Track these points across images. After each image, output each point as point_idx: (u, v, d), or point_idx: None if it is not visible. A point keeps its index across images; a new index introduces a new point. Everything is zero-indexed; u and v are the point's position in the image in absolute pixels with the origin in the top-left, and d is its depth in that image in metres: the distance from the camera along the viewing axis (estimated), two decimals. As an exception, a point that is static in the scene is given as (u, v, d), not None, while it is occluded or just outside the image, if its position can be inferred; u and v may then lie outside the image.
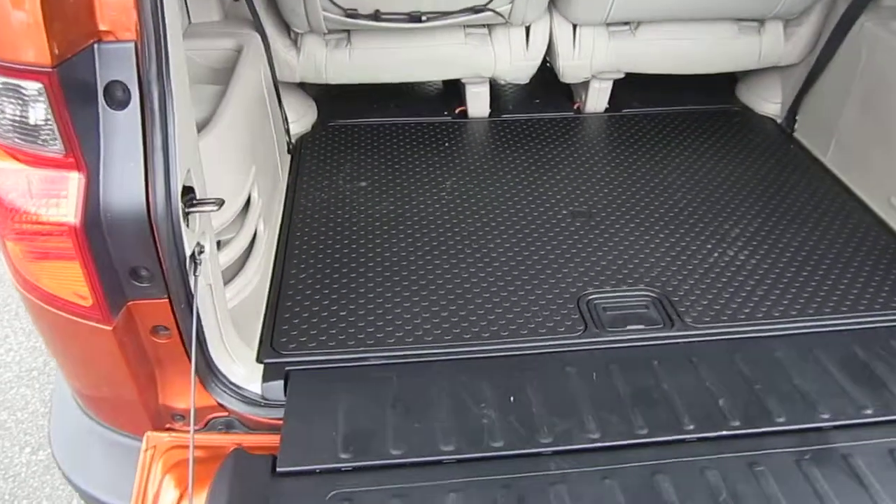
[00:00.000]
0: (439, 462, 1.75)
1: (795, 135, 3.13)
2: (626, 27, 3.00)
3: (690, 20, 2.98)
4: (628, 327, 2.16)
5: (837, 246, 2.49)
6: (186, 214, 1.55)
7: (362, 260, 2.39)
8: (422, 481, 1.71)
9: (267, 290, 2.26)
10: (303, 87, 3.19)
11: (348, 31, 2.86)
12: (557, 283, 2.32)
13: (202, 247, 1.66)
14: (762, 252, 2.45)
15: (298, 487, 1.69)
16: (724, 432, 1.82)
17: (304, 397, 1.91)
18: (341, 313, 2.18)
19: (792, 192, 2.77)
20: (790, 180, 2.84)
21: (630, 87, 3.44)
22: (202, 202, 1.60)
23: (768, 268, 2.38)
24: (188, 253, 1.58)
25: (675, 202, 2.70)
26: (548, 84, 3.35)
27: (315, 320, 2.16)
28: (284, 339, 2.09)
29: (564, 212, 2.65)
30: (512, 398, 1.91)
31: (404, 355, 2.06)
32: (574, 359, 2.05)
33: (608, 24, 2.98)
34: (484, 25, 2.91)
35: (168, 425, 1.95)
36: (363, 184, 2.77)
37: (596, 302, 2.26)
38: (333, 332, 2.12)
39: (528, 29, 2.94)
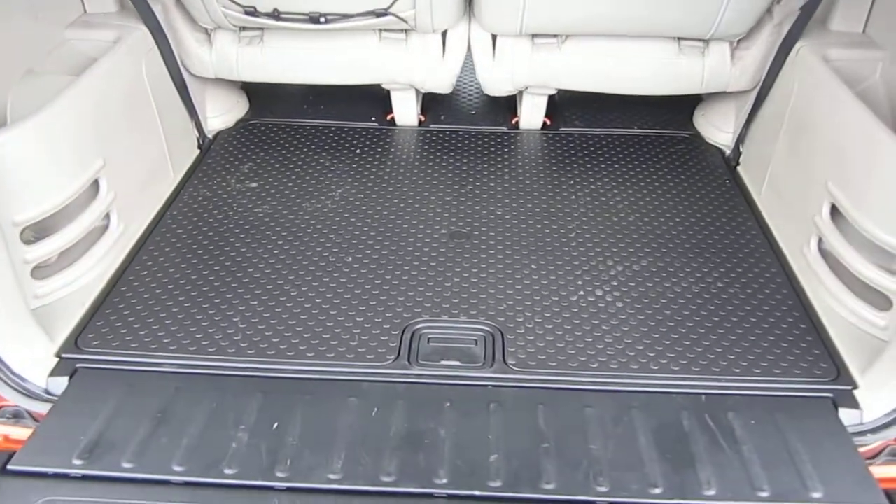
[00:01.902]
0: (167, 482, 1.69)
1: (739, 168, 2.84)
2: (553, 40, 2.80)
3: (623, 36, 2.76)
4: (442, 362, 2.02)
5: (721, 300, 2.23)
6: None
7: (211, 262, 2.36)
8: (141, 499, 1.66)
9: (104, 284, 2.25)
10: (238, 82, 3.18)
11: (262, 29, 2.82)
12: (394, 307, 2.20)
13: None
14: (631, 297, 2.24)
15: (15, 488, 1.67)
16: (477, 492, 1.66)
17: (77, 397, 1.89)
18: (162, 316, 2.15)
19: (707, 233, 2.51)
20: (712, 219, 2.58)
21: (580, 105, 3.25)
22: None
23: (627, 316, 2.17)
24: None
25: (571, 231, 2.51)
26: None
27: (134, 321, 2.13)
28: (92, 336, 2.08)
29: (444, 231, 2.51)
30: (276, 424, 1.82)
31: (203, 366, 2.00)
32: (366, 389, 1.93)
33: (533, 36, 2.80)
34: (402, 31, 2.80)
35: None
36: (254, 185, 2.73)
37: (423, 332, 2.12)
38: (145, 335, 2.09)
39: (444, 36, 2.80)
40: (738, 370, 2.00)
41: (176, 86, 2.72)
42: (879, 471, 1.91)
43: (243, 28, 2.81)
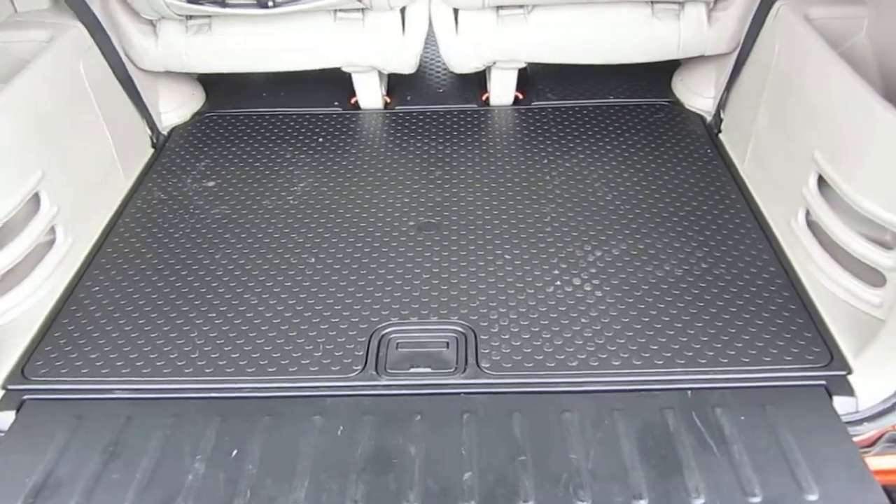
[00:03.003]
0: (118, 525, 1.58)
1: (721, 136, 2.70)
2: (520, 11, 2.63)
3: (592, 2, 2.59)
4: (412, 370, 1.91)
5: (706, 282, 2.11)
6: None
7: (166, 273, 2.22)
8: (90, 546, 1.55)
9: (52, 304, 2.12)
10: (193, 74, 3.01)
11: (210, 17, 2.65)
12: (360, 310, 2.07)
13: None
14: (611, 285, 2.11)
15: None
16: (450, 514, 1.56)
17: (23, 433, 1.78)
18: (115, 336, 2.02)
19: (689, 209, 2.38)
20: (693, 194, 2.44)
21: (554, 77, 3.09)
22: None
23: (607, 307, 2.04)
24: None
25: (546, 215, 2.37)
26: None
27: (85, 344, 2.01)
28: (40, 363, 1.95)
29: (412, 223, 2.38)
30: (235, 451, 1.71)
31: (157, 389, 1.88)
32: (330, 406, 1.82)
33: (497, 8, 2.63)
34: (358, 10, 2.63)
35: None
36: (211, 184, 2.58)
37: (391, 337, 2.00)
38: (96, 358, 1.96)
39: (403, 13, 2.63)
40: (725, 360, 1.89)
41: (121, 83, 2.56)
42: (877, 461, 1.82)
43: (190, 17, 2.64)
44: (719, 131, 2.71)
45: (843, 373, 1.84)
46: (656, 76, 3.00)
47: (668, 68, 3.00)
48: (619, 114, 2.85)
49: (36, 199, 2.12)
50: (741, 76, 2.54)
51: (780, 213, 2.25)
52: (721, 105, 2.68)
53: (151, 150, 2.74)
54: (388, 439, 1.72)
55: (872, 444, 1.83)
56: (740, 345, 1.92)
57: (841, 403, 1.78)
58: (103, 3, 2.53)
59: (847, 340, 1.91)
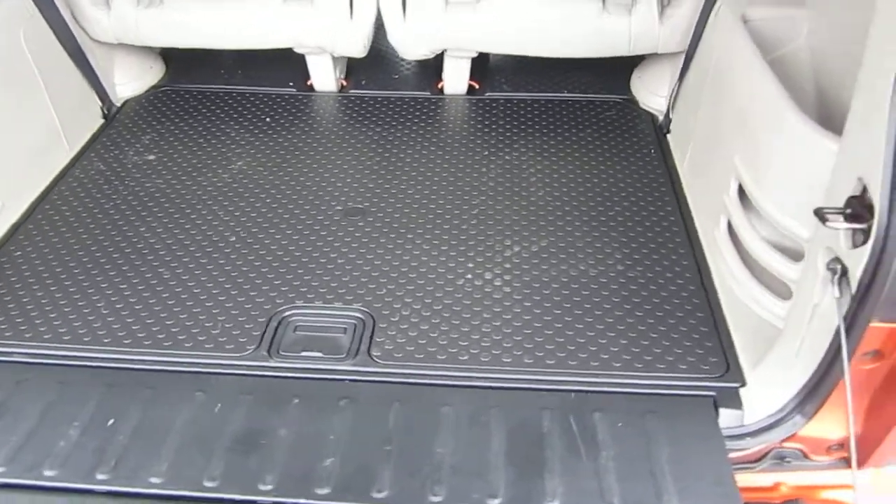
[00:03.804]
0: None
1: (669, 136, 2.65)
2: (470, -1, 2.61)
3: (542, -7, 2.55)
4: (303, 353, 1.91)
5: (618, 284, 2.07)
6: None
7: (88, 242, 2.25)
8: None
9: (-28, 267, 2.17)
10: (155, 47, 3.03)
11: (161, -10, 2.67)
12: (267, 291, 2.08)
13: None
14: (522, 281, 2.09)
15: None
16: (302, 500, 1.56)
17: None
18: (25, 301, 2.05)
19: (620, 209, 2.34)
20: (627, 194, 2.40)
21: (512, 68, 3.05)
22: None
23: (512, 303, 2.02)
24: None
25: (475, 207, 2.35)
26: (428, 59, 2.99)
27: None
28: (-52, 323, 2.00)
29: (339, 208, 2.37)
30: (112, 421, 1.73)
31: (54, 356, 1.91)
32: (214, 383, 1.83)
33: (446, -5, 2.61)
34: (307, -9, 2.63)
35: None
36: (151, 157, 2.60)
37: (292, 319, 2.00)
38: (2, 321, 2.00)
39: (351, -4, 2.63)
40: (618, 364, 1.86)
41: (69, 53, 2.58)
42: (760, 478, 1.79)
43: (142, -11, 2.66)
44: (668, 132, 2.65)
45: (736, 385, 1.80)
46: (616, 73, 2.95)
47: (629, 65, 2.95)
48: (571, 109, 2.81)
49: (-34, 163, 2.17)
50: (687, 75, 2.49)
51: (706, 220, 2.21)
52: (671, 105, 2.63)
53: (101, 122, 2.77)
54: (261, 420, 1.73)
55: (759, 459, 1.80)
56: (637, 350, 1.89)
57: (727, 416, 1.74)
58: (53, -27, 2.56)
59: (748, 353, 1.86)
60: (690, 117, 2.42)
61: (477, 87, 2.95)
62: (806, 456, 1.79)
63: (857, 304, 1.46)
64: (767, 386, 1.75)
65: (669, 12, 2.56)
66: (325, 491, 1.57)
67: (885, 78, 1.32)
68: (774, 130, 1.82)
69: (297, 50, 2.79)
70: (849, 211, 1.45)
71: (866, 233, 1.41)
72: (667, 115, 2.65)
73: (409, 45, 2.71)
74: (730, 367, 1.84)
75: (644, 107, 2.81)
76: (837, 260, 1.51)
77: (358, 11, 2.64)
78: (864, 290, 1.43)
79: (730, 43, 2.14)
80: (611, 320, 1.97)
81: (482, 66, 3.01)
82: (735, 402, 1.76)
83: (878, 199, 1.36)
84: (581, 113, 2.79)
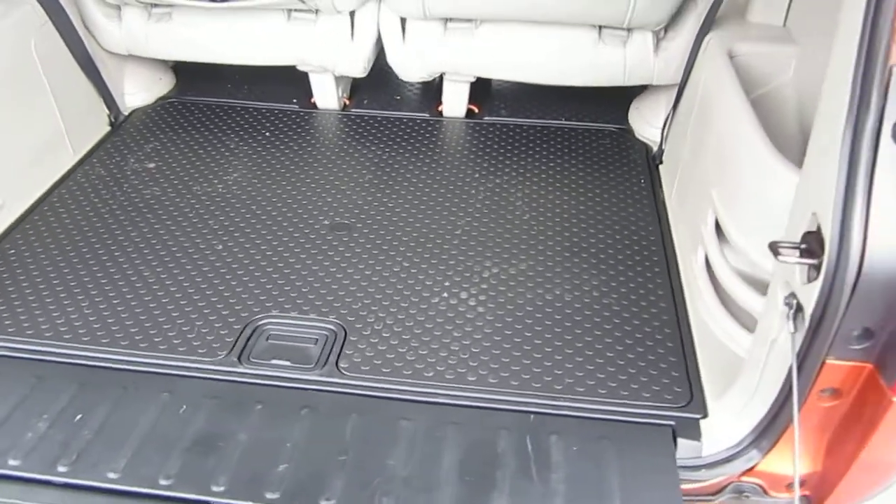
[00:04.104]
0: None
1: (661, 167, 2.66)
2: (468, 24, 2.65)
3: (540, 23, 2.59)
4: (272, 361, 1.94)
5: (592, 310, 2.08)
6: None
7: (81, 244, 2.31)
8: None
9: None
10: (166, 60, 3.13)
11: (172, 6, 2.75)
12: (246, 299, 2.12)
13: None
14: (496, 303, 2.10)
15: None
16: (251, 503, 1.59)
17: None
18: (13, 297, 2.12)
19: (603, 236, 2.35)
20: (612, 222, 2.41)
21: (513, 94, 3.10)
22: None
23: (484, 323, 2.04)
24: None
25: (458, 228, 2.38)
26: (431, 80, 3.04)
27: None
28: (-63, 313, 2.07)
29: (326, 222, 2.42)
30: (79, 416, 1.78)
31: (34, 350, 1.97)
32: (182, 386, 1.87)
33: (446, 20, 2.66)
34: (311, 11, 2.69)
35: None
36: (151, 165, 2.68)
37: (266, 328, 2.04)
38: (13, 318, 2.06)
39: (354, 18, 2.69)
40: (581, 389, 1.86)
41: (78, 62, 2.68)
42: (714, 509, 1.77)
43: (154, 5, 2.75)
44: (660, 163, 2.67)
45: (698, 416, 1.79)
46: (615, 103, 2.97)
47: (629, 96, 2.97)
48: (566, 136, 2.84)
49: (-35, 160, 2.26)
50: (678, 108, 2.50)
51: (686, 251, 2.21)
52: (664, 136, 2.64)
53: (107, 129, 2.86)
54: (222, 424, 1.76)
55: (717, 492, 1.78)
56: (602, 376, 1.90)
57: (685, 447, 1.74)
58: (70, -13, 2.67)
59: (713, 384, 1.85)
60: (679, 147, 2.44)
61: (477, 110, 2.99)
62: (765, 491, 1.77)
63: (809, 340, 1.46)
64: (727, 418, 1.75)
65: (664, 45, 2.59)
66: (274, 496, 1.60)
67: (838, 113, 1.33)
68: (746, 162, 1.83)
69: (300, 68, 2.87)
70: (804, 246, 1.45)
71: (818, 269, 1.41)
72: (660, 147, 2.67)
73: (408, 67, 2.76)
74: (693, 398, 1.83)
75: (640, 137, 2.83)
76: (793, 295, 1.51)
77: (359, 33, 2.71)
78: (816, 326, 1.43)
79: (715, 76, 2.16)
80: (580, 345, 1.98)
81: (483, 90, 3.05)
82: (694, 432, 1.75)
83: (828, 235, 1.36)
84: (575, 140, 2.82)
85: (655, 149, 2.74)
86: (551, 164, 2.69)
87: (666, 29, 2.60)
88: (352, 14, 2.69)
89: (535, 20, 2.57)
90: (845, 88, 1.31)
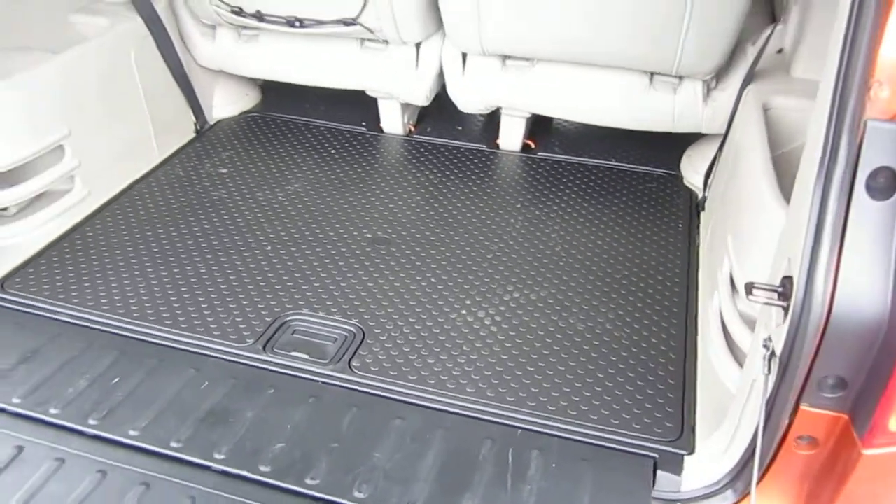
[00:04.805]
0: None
1: (702, 214, 2.68)
2: (526, 63, 2.79)
3: (593, 65, 2.69)
4: (293, 353, 2.11)
5: (602, 341, 2.14)
6: None
7: (149, 233, 2.57)
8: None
9: (53, 238, 2.54)
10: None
11: (259, 29, 3.03)
12: (282, 296, 2.30)
13: None
14: (510, 324, 2.20)
15: None
16: (246, 473, 1.75)
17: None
18: (83, 274, 2.38)
19: (628, 272, 2.40)
20: (642, 261, 2.46)
21: (569, 131, 3.20)
22: None
23: (494, 342, 2.14)
24: None
25: (490, 252, 2.49)
26: (494, 114, 3.19)
27: (58, 274, 2.37)
28: (19, 280, 2.36)
29: (369, 235, 2.59)
30: (116, 380, 1.99)
31: (92, 321, 2.21)
32: (209, 364, 2.06)
33: (505, 57, 2.81)
34: (382, 42, 2.91)
35: None
36: (223, 171, 2.94)
37: (293, 323, 2.22)
38: (60, 288, 2.32)
39: (419, 48, 2.88)
40: (574, 413, 1.92)
41: (172, 73, 2.99)
42: (686, 545, 1.78)
43: (244, 27, 3.04)
44: (702, 209, 2.70)
45: (683, 452, 1.82)
46: (670, 149, 3.02)
47: (684, 143, 3.01)
48: (614, 176, 2.91)
49: (61, 150, 2.56)
50: (721, 156, 2.54)
51: (705, 295, 2.24)
52: (706, 183, 2.68)
53: (192, 136, 3.15)
54: (236, 401, 1.93)
55: (694, 529, 1.80)
56: (597, 403, 1.95)
57: (665, 480, 1.77)
58: (171, 6, 2.99)
59: (706, 422, 1.88)
60: (717, 195, 2.47)
61: (533, 145, 3.11)
62: (742, 534, 1.77)
63: (778, 383, 1.48)
64: (710, 457, 1.76)
65: (715, 94, 2.64)
66: (266, 469, 1.75)
67: (813, 163, 1.38)
68: (755, 210, 1.87)
69: (369, 93, 3.08)
70: (780, 289, 1.49)
71: (787, 311, 1.44)
72: (703, 193, 2.70)
73: (466, 100, 2.92)
74: (683, 434, 1.86)
75: (687, 183, 2.86)
76: (770, 338, 1.54)
77: (423, 64, 2.90)
78: (784, 369, 1.46)
79: (746, 128, 2.20)
80: (581, 372, 2.05)
81: (543, 127, 3.18)
82: (676, 467, 1.78)
83: (797, 280, 1.40)
84: (622, 182, 2.88)
85: (701, 195, 2.77)
86: (593, 202, 2.76)
87: (718, 79, 2.65)
88: (418, 46, 2.88)
89: (588, 63, 2.68)
90: (820, 139, 1.35)
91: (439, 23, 2.81)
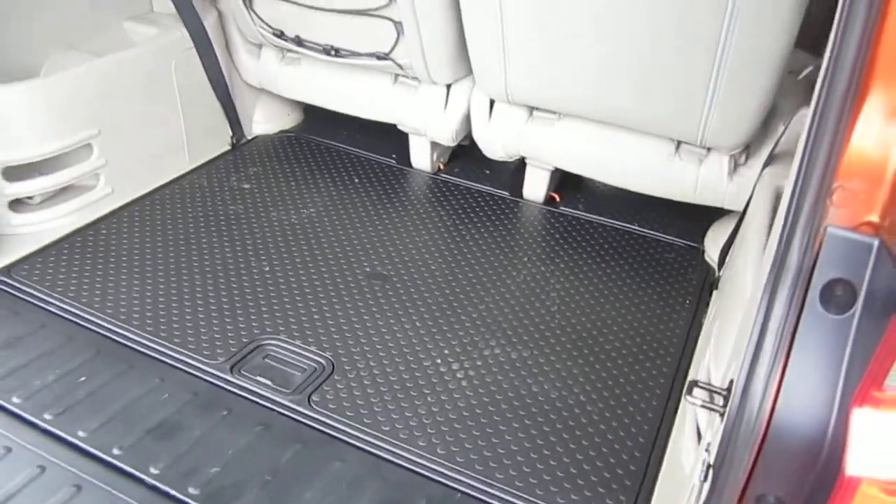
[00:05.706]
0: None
1: (715, 293, 2.55)
2: (552, 115, 2.74)
3: (620, 127, 2.62)
4: (258, 377, 2.11)
5: (570, 411, 2.05)
6: None
7: (158, 239, 2.64)
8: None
9: (68, 232, 2.64)
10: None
11: (301, 54, 3.09)
12: (264, 319, 2.31)
13: None
14: (482, 381, 2.13)
15: None
16: (174, 492, 1.76)
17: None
18: (87, 270, 2.47)
19: (620, 344, 2.31)
20: (641, 335, 2.35)
21: (595, 189, 3.11)
22: None
23: (461, 397, 2.07)
24: None
25: (481, 302, 2.44)
26: (523, 163, 3.15)
27: (64, 268, 2.46)
28: (26, 268, 2.46)
29: (368, 269, 2.58)
30: (83, 379, 2.04)
31: (82, 317, 2.28)
32: (175, 377, 2.08)
33: (532, 108, 2.77)
34: (414, 78, 2.92)
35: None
36: (246, 186, 3.00)
37: (268, 346, 2.22)
38: (62, 280, 2.41)
39: (449, 89, 2.88)
40: (521, 485, 1.84)
41: (212, 86, 3.08)
42: None
43: (288, 50, 3.11)
44: (717, 288, 2.57)
45: (626, 540, 1.72)
46: (697, 220, 2.89)
47: (716, 214, 2.89)
48: (633, 242, 2.81)
49: (90, 148, 2.67)
50: (739, 234, 2.42)
51: (694, 376, 2.12)
52: (721, 261, 2.55)
53: (227, 149, 3.24)
54: (188, 418, 1.95)
55: None
56: (548, 478, 1.87)
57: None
58: (224, 21, 3.09)
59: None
60: (727, 276, 2.35)
61: (557, 199, 3.05)
62: None
63: (710, 491, 1.38)
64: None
65: (742, 171, 2.52)
66: (195, 492, 1.74)
67: (766, 269, 1.29)
68: (738, 300, 1.76)
69: (400, 127, 3.09)
70: (725, 393, 1.39)
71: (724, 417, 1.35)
72: (718, 272, 2.58)
73: (490, 145, 2.89)
74: (630, 520, 1.76)
75: (708, 259, 2.74)
76: (710, 444, 1.44)
77: (451, 105, 2.89)
78: (715, 478, 1.35)
79: (759, 209, 2.08)
80: (541, 443, 1.96)
81: (571, 181, 3.11)
82: (614, 560, 1.68)
83: (735, 384, 1.30)
84: (640, 248, 2.78)
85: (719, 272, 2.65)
86: (603, 265, 2.67)
87: (748, 155, 2.54)
88: (448, 87, 2.88)
89: (612, 123, 2.61)
90: (775, 242, 1.26)
91: (470, 67, 2.80)
